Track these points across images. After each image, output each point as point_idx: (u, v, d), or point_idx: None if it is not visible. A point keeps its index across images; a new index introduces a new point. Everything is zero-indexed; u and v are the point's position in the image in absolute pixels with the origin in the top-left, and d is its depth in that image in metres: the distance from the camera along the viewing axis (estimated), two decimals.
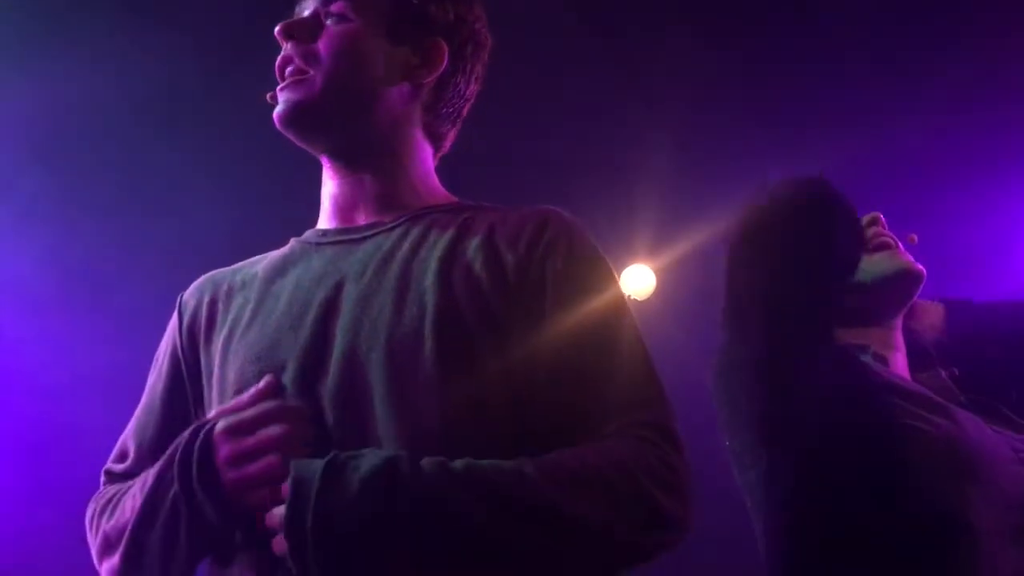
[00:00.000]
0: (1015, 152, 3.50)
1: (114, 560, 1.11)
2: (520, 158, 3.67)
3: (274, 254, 1.32)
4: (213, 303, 1.27)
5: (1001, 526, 1.25)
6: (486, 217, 1.22)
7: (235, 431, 1.06)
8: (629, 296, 4.15)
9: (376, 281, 1.15)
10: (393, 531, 0.91)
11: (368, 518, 0.92)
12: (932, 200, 3.50)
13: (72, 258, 3.37)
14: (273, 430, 1.05)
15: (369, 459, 0.96)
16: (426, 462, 0.96)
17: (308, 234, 1.32)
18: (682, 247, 3.98)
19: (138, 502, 1.09)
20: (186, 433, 1.09)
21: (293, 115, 1.24)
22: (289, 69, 1.25)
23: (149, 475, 1.11)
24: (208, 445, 1.06)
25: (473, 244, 1.16)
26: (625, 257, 4.12)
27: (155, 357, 1.31)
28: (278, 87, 1.26)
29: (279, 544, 0.96)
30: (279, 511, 0.97)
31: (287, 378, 1.11)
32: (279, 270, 1.26)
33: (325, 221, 1.32)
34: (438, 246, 1.17)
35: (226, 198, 3.33)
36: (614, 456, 1.00)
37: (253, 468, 1.03)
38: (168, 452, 1.10)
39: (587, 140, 3.67)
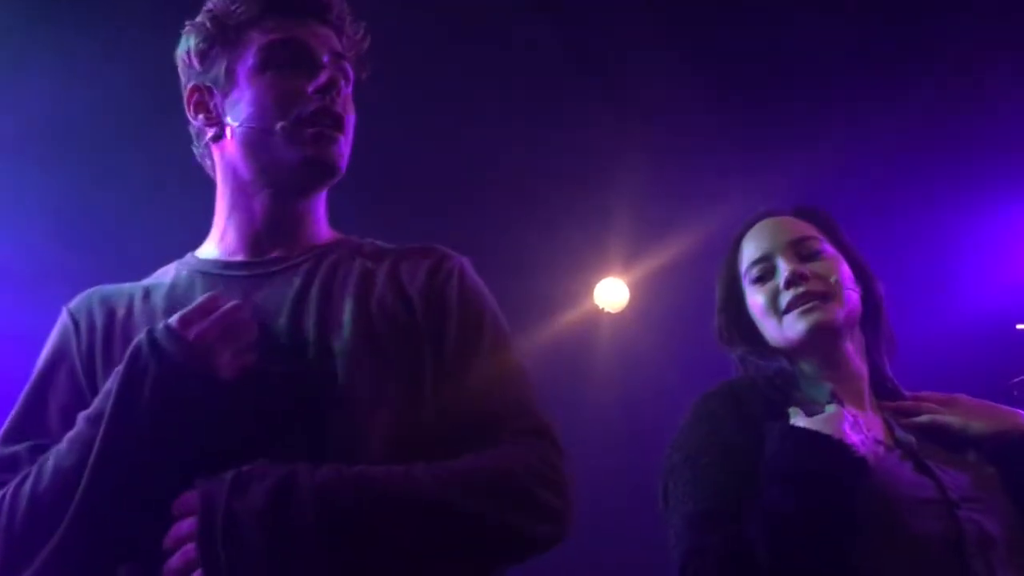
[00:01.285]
0: (976, 174, 3.57)
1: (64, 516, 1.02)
2: (493, 174, 3.69)
3: (162, 281, 1.29)
4: (109, 325, 1.22)
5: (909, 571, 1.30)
6: (385, 255, 1.30)
7: (189, 320, 1.10)
8: (603, 309, 4.17)
9: (294, 318, 1.19)
10: (297, 532, 0.99)
11: (273, 522, 0.98)
12: (894, 216, 3.56)
13: (42, 263, 3.35)
14: (227, 306, 1.12)
15: (273, 471, 1.02)
16: (324, 468, 1.04)
17: (204, 263, 1.30)
18: (655, 261, 4.02)
19: (96, 427, 1.04)
20: (133, 343, 1.09)
21: (336, 171, 1.28)
22: (338, 124, 1.27)
23: (88, 410, 1.07)
24: (171, 333, 1.08)
25: (380, 281, 1.24)
26: (599, 271, 4.15)
27: (41, 370, 1.22)
28: (326, 124, 1.25)
29: (187, 553, 0.99)
30: (186, 523, 1.00)
31: None
32: (181, 300, 1.21)
33: (229, 250, 1.30)
34: (349, 284, 1.23)
35: (200, 204, 3.30)
36: (500, 458, 1.12)
37: (239, 325, 1.11)
38: (126, 360, 1.07)
39: (561, 154, 3.69)
